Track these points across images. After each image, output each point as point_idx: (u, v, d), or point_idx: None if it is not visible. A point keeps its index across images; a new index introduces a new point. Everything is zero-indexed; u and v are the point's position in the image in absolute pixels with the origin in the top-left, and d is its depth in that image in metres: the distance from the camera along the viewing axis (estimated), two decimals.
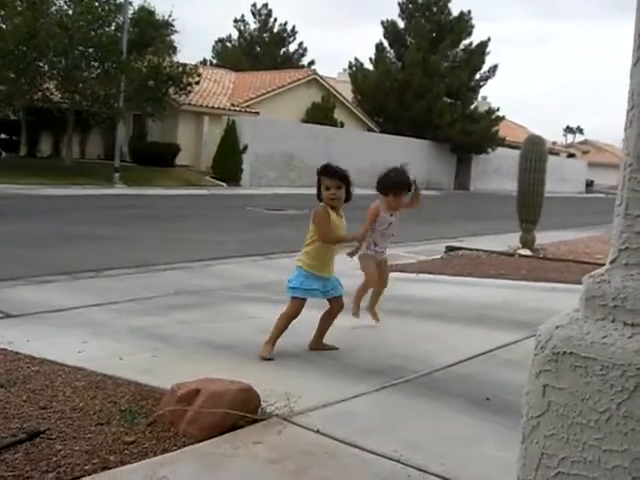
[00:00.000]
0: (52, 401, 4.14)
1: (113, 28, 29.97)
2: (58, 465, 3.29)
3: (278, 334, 5.43)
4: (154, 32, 31.70)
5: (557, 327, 1.78)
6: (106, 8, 29.25)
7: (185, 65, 32.93)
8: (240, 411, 3.79)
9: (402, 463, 3.41)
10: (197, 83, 33.71)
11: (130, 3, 30.76)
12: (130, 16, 30.56)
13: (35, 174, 25.89)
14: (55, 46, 27.23)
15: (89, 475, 3.21)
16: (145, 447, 3.56)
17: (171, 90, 32.36)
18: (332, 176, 5.46)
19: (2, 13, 27.84)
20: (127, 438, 3.63)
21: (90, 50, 29.13)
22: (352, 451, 3.56)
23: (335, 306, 5.64)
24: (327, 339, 5.71)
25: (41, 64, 28.64)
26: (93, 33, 28.54)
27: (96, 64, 30.05)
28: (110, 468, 3.29)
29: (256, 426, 3.82)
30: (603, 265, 1.82)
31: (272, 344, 5.38)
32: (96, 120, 30.69)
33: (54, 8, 29.11)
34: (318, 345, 5.66)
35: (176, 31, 33.14)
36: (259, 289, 8.46)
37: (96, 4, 29.10)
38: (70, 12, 29.03)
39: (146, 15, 31.62)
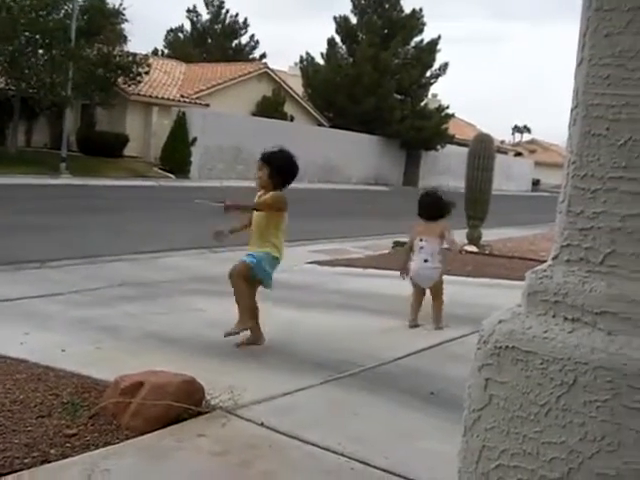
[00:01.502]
0: None
1: (62, 15, 29.41)
2: None
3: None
4: (104, 20, 31.20)
5: (500, 322, 1.80)
6: None
7: (135, 55, 32.48)
8: (184, 403, 3.77)
9: (346, 456, 3.42)
10: (147, 73, 33.28)
11: None
12: (80, 3, 30.05)
13: None
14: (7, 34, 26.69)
15: (29, 469, 3.16)
16: (87, 440, 3.52)
17: (120, 80, 31.92)
18: (260, 159, 5.60)
19: None
20: (68, 431, 3.58)
21: (37, 36, 28.55)
22: (296, 444, 3.56)
23: None
24: (271, 332, 5.67)
25: None
26: (41, 19, 27.99)
27: (42, 51, 29.48)
28: (50, 461, 3.25)
29: (200, 419, 3.80)
30: (546, 262, 1.84)
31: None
32: (42, 108, 30.09)
33: None
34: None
35: (126, 20, 32.63)
36: (206, 282, 8.41)
37: None
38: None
39: (97, 2, 31.13)
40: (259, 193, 5.68)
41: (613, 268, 1.70)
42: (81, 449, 3.40)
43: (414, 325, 6.58)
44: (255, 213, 5.60)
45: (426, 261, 6.61)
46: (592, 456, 1.62)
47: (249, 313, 5.43)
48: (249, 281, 5.43)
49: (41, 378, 4.36)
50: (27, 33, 27.98)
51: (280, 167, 5.57)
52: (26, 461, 3.22)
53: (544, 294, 1.78)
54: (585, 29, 1.76)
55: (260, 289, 5.62)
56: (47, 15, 28.31)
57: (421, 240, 6.65)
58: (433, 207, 6.82)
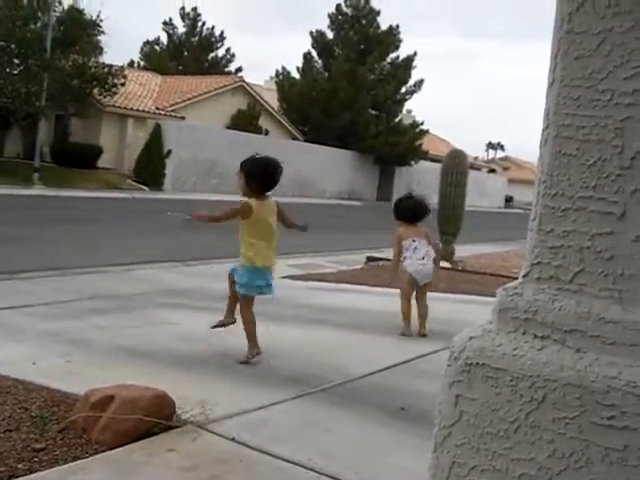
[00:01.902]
0: None
1: (39, 25, 29.26)
2: None
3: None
4: (80, 31, 31.06)
5: (470, 338, 1.81)
6: (34, 6, 28.60)
7: (111, 66, 32.41)
8: (155, 418, 3.75)
9: (316, 472, 3.42)
10: (123, 85, 33.21)
11: (59, 2, 30.21)
12: (57, 14, 29.93)
13: None
14: None
15: None
16: (56, 454, 3.48)
17: (96, 91, 31.82)
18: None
19: None
20: (37, 445, 3.55)
21: (12, 46, 28.40)
22: (267, 459, 3.55)
23: None
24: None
25: None
26: (17, 30, 27.83)
27: (17, 61, 29.32)
28: (18, 477, 3.20)
29: (171, 433, 3.78)
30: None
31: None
32: (17, 118, 29.89)
33: None
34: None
35: (103, 32, 32.54)
36: (178, 295, 8.38)
37: (24, 1, 28.48)
38: None
39: (74, 14, 30.99)
40: None
41: (582, 286, 1.72)
42: (49, 464, 3.36)
43: (409, 334, 6.73)
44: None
45: (423, 258, 6.86)
46: (560, 472, 1.63)
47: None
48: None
49: (10, 391, 4.31)
50: (2, 43, 27.81)
51: (251, 174, 5.53)
52: None
53: (514, 311, 1.79)
54: (557, 50, 1.78)
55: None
56: (24, 26, 28.15)
57: (414, 241, 6.88)
58: (418, 208, 7.07)
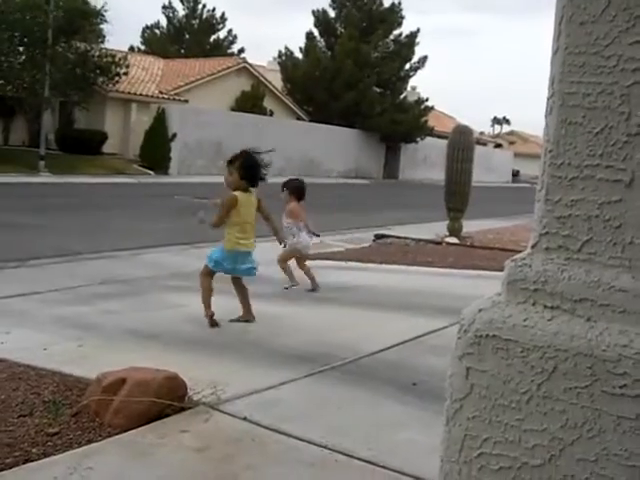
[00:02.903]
0: None
1: (42, 15, 29.17)
2: None
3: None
4: (84, 21, 30.94)
5: (480, 310, 1.80)
6: None
7: (114, 55, 32.30)
8: (166, 400, 3.76)
9: (329, 449, 3.43)
10: (126, 74, 33.19)
11: None
12: (61, 3, 29.85)
13: None
14: None
15: (10, 468, 3.14)
16: (69, 438, 3.50)
17: (99, 79, 31.80)
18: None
19: None
20: (51, 429, 3.56)
21: (16, 35, 28.37)
22: (279, 438, 3.56)
23: None
24: (253, 326, 6.05)
25: None
26: (24, 19, 27.77)
27: (21, 49, 29.31)
28: (32, 460, 3.23)
29: (183, 414, 3.79)
30: None
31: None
32: (22, 107, 29.94)
33: None
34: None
35: (106, 21, 32.32)
36: (186, 278, 8.36)
37: None
38: None
39: (79, 3, 30.86)
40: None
41: (591, 255, 1.71)
42: (63, 448, 3.38)
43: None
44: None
45: (307, 233, 7.95)
46: (573, 442, 1.63)
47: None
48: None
49: (22, 377, 4.34)
50: (8, 33, 27.80)
51: (245, 171, 6.11)
52: (8, 461, 3.20)
53: (523, 282, 1.78)
54: (560, 18, 1.76)
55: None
56: (31, 18, 28.04)
57: (301, 221, 7.89)
58: (304, 189, 8.08)
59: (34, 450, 3.33)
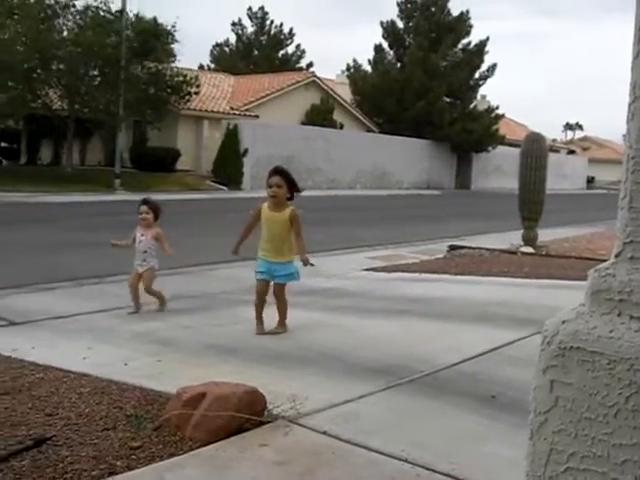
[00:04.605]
0: (58, 408, 4.14)
1: (115, 38, 29.97)
2: (65, 471, 3.28)
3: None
4: (155, 41, 31.63)
5: (563, 322, 1.77)
6: (110, 18, 29.44)
7: (185, 75, 32.88)
8: (246, 414, 3.79)
9: (410, 462, 3.40)
10: (197, 93, 33.77)
11: (137, 15, 31.06)
12: (133, 26, 30.67)
13: (36, 182, 25.83)
14: (65, 59, 27.54)
15: None
16: (152, 452, 3.55)
17: (171, 98, 32.43)
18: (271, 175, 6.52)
19: (8, 22, 27.86)
20: (133, 443, 3.63)
21: (93, 64, 29.34)
22: (359, 451, 3.55)
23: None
24: (329, 339, 5.95)
25: (39, 71, 28.71)
26: (106, 45, 28.63)
27: (96, 72, 30.16)
28: (117, 473, 3.29)
29: (262, 428, 3.81)
30: (606, 261, 1.81)
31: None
32: (98, 128, 30.78)
33: (61, 20, 29.36)
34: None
35: (177, 40, 32.99)
36: None
37: (102, 14, 29.33)
38: (79, 25, 29.30)
39: (150, 25, 31.62)
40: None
41: None
42: (146, 461, 3.44)
43: None
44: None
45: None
46: None
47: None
48: None
49: (105, 391, 4.43)
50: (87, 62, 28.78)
51: (294, 186, 6.47)
52: (93, 474, 3.26)
53: (608, 293, 1.75)
54: None
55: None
56: (107, 45, 28.89)
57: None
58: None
59: (118, 463, 3.39)
